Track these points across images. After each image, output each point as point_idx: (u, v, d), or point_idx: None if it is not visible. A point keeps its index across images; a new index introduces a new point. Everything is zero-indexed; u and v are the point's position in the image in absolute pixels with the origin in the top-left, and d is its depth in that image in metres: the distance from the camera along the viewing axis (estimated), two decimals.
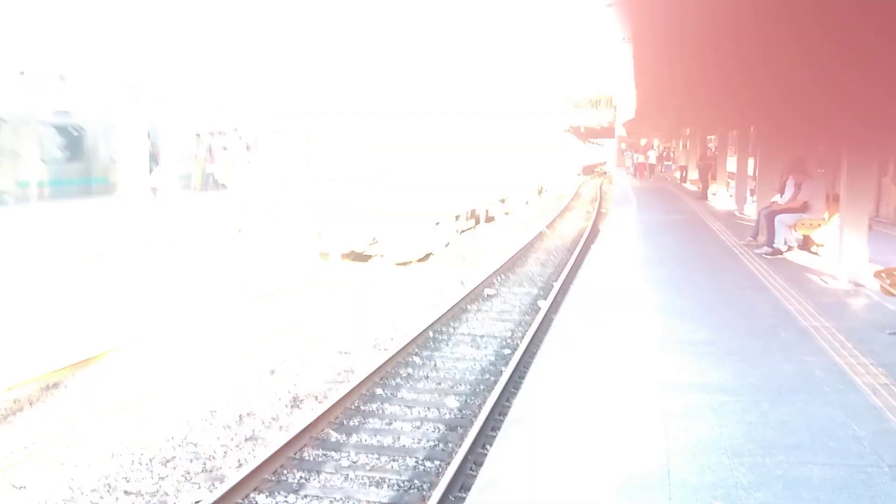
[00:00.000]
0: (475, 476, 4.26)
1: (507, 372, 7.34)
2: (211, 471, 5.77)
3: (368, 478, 5.57)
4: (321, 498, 5.28)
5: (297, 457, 5.89)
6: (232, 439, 6.34)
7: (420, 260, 14.72)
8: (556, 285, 11.69)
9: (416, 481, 5.50)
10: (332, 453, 6.00)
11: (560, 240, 19.09)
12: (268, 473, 5.53)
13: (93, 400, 7.25)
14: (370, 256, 14.49)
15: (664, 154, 39.78)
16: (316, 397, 7.32)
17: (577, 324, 6.99)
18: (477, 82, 20.76)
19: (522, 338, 8.85)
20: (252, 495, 5.27)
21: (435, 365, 8.22)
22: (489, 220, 21.57)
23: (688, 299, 8.10)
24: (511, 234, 19.20)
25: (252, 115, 21.13)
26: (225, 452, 6.10)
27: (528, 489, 3.74)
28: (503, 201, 23.20)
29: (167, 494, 5.41)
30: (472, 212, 19.68)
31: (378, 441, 6.25)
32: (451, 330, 9.68)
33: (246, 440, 6.33)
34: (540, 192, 31.72)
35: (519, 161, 25.26)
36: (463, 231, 18.52)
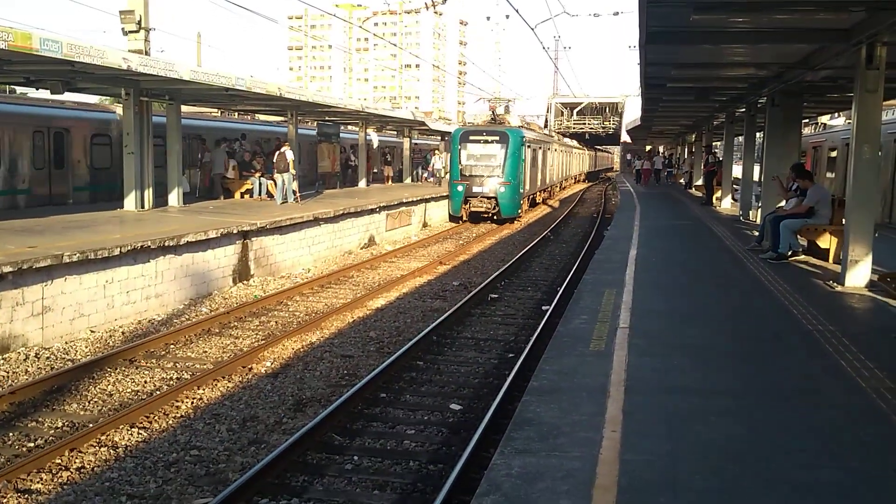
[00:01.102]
0: None
1: None
2: None
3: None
4: None
5: None
6: None
7: None
8: (560, 289, 11.71)
9: None
10: None
11: (564, 246, 19.00)
12: None
13: None
14: None
15: (666, 163, 39.53)
16: None
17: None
18: None
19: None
20: None
21: None
22: None
23: (692, 302, 8.07)
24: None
25: None
26: None
27: None
28: None
29: None
30: None
31: None
32: None
33: None
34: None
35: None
36: None
